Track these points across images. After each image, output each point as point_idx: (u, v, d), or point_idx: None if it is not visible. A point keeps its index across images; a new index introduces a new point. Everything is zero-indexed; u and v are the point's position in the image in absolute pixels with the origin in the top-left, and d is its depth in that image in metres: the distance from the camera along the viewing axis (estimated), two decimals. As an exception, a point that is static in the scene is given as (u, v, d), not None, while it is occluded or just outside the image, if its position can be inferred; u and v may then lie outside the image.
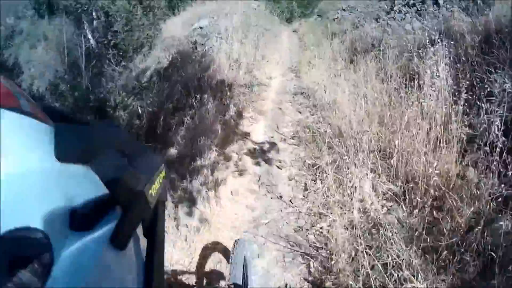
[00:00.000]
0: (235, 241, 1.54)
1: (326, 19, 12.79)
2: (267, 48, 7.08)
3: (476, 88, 2.40)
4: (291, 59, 7.18)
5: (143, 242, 0.42)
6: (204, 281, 1.99)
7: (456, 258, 1.60)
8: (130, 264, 0.37)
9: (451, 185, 1.92)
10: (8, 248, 0.20)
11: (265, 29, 8.69)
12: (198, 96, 3.94)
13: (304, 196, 2.62)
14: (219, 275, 1.98)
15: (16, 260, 0.20)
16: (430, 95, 2.36)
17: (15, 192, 0.22)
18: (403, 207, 2.02)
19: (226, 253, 2.04)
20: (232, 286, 1.21)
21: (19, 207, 0.22)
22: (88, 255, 0.27)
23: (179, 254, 2.16)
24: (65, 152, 0.28)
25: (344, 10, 14.45)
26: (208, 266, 2.07)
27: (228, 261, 1.49)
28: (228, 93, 4.45)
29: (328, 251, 1.97)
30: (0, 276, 0.19)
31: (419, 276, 1.52)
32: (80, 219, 0.28)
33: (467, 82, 2.21)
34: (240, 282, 1.24)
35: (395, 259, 1.62)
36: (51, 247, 0.23)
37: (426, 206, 1.92)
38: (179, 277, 2.00)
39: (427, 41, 2.82)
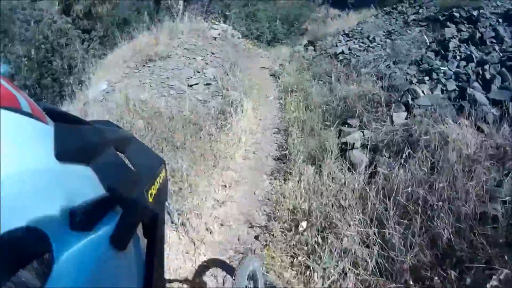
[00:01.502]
0: (242, 257, 1.64)
1: (323, 53, 8.54)
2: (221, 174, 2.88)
3: None
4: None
5: (143, 242, 0.41)
6: None
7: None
8: (130, 264, 0.36)
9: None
10: (8, 248, 0.20)
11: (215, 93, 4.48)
12: None
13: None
14: None
15: (16, 260, 0.21)
16: None
17: (15, 192, 0.22)
18: None
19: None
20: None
21: (19, 207, 0.22)
22: (88, 255, 0.27)
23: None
24: (65, 152, 0.28)
25: (348, 35, 10.35)
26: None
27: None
28: None
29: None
30: (0, 276, 0.20)
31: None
32: (80, 219, 0.27)
33: None
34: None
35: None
36: (51, 247, 0.23)
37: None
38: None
39: None
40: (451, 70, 4.61)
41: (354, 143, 3.36)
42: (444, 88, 4.13)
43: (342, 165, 3.12)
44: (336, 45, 9.27)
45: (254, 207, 3.03)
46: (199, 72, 5.34)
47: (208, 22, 8.58)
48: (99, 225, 0.30)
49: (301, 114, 4.43)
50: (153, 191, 0.41)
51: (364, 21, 11.87)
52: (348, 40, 9.56)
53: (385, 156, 3.07)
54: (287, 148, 3.70)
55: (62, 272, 0.23)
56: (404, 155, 2.79)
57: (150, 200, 0.40)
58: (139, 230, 0.39)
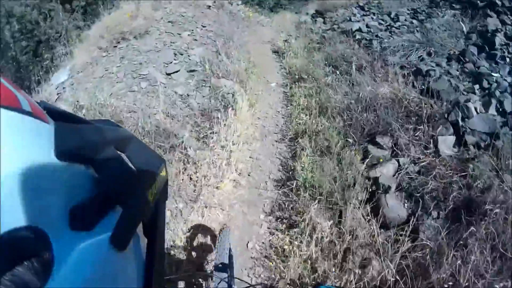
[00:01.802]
0: (221, 229, 1.85)
1: (335, 28, 7.34)
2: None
3: None
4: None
5: (143, 242, 0.40)
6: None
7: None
8: (130, 264, 0.36)
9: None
10: (8, 248, 0.20)
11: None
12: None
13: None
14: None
15: (16, 260, 0.21)
16: None
17: (15, 191, 0.22)
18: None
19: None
20: (220, 265, 1.39)
21: (19, 207, 0.22)
22: (88, 255, 0.27)
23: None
24: (65, 151, 0.27)
25: (363, 9, 8.96)
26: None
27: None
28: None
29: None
30: (0, 276, 0.20)
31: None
32: (80, 219, 0.27)
33: None
34: (226, 261, 1.43)
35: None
36: (51, 246, 0.23)
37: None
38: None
39: None
40: (505, 79, 3.61)
41: (388, 186, 2.42)
42: (500, 107, 3.17)
43: (371, 218, 2.21)
44: (350, 19, 7.97)
45: (245, 270, 2.14)
46: (182, 55, 4.10)
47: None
48: (99, 224, 0.29)
49: (313, 120, 3.40)
50: (153, 190, 0.39)
51: (380, -9, 10.41)
52: (364, 15, 8.24)
53: (432, 215, 2.18)
54: (294, 177, 2.73)
55: (62, 272, 0.23)
56: (464, 234, 1.92)
57: (151, 199, 0.38)
58: (139, 230, 0.38)
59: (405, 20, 6.85)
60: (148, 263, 0.39)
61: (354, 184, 2.50)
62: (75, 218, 0.27)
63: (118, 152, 0.38)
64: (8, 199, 0.20)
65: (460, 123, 2.97)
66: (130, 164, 0.38)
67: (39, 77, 4.94)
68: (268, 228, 2.44)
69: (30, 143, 0.24)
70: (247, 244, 2.31)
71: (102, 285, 0.27)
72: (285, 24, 9.24)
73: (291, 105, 4.10)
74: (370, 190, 2.43)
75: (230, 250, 1.57)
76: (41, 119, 0.26)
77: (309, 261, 2.10)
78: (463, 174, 2.37)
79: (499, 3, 5.93)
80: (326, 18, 9.15)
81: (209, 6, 6.74)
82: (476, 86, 3.56)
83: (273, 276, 2.09)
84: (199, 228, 2.27)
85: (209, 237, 2.22)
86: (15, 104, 0.24)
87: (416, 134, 2.96)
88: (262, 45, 6.79)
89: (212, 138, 2.90)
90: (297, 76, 4.81)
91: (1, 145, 0.21)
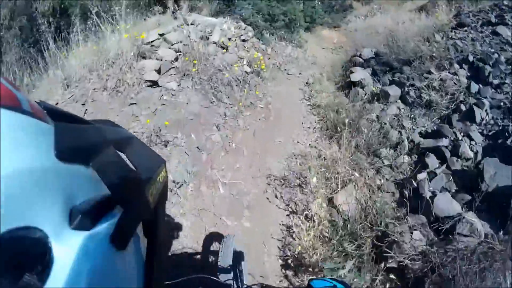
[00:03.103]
0: (225, 236, 1.79)
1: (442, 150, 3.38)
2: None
3: None
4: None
5: (143, 242, 0.42)
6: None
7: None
8: (130, 264, 0.36)
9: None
10: (8, 248, 0.20)
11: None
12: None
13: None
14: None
15: (16, 260, 0.21)
16: None
17: (15, 191, 0.22)
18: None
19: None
20: (224, 268, 1.45)
21: (19, 207, 0.22)
22: (88, 255, 0.27)
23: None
24: (65, 151, 0.28)
25: (484, 82, 4.45)
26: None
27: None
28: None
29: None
30: (0, 276, 0.20)
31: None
32: (80, 218, 0.28)
33: None
34: (229, 264, 1.49)
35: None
36: (51, 246, 0.24)
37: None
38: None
39: None
40: None
41: None
42: None
43: None
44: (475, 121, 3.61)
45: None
46: None
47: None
48: (99, 224, 0.29)
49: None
50: (153, 190, 0.39)
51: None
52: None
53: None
54: None
55: (62, 272, 0.23)
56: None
57: (151, 199, 0.38)
58: (140, 230, 0.38)
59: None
60: (148, 263, 0.39)
61: None
62: (75, 218, 0.26)
63: (118, 152, 0.36)
64: (8, 199, 0.20)
65: None
66: (130, 164, 0.36)
67: None
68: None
69: (30, 143, 0.23)
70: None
71: (102, 285, 0.26)
72: (326, 64, 5.25)
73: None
74: None
75: (243, 254, 1.64)
76: (41, 119, 0.26)
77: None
78: None
79: None
80: (403, 84, 4.80)
81: (152, 83, 2.84)
82: None
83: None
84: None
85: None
86: (15, 104, 0.23)
87: None
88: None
89: None
90: None
91: (1, 145, 0.20)
